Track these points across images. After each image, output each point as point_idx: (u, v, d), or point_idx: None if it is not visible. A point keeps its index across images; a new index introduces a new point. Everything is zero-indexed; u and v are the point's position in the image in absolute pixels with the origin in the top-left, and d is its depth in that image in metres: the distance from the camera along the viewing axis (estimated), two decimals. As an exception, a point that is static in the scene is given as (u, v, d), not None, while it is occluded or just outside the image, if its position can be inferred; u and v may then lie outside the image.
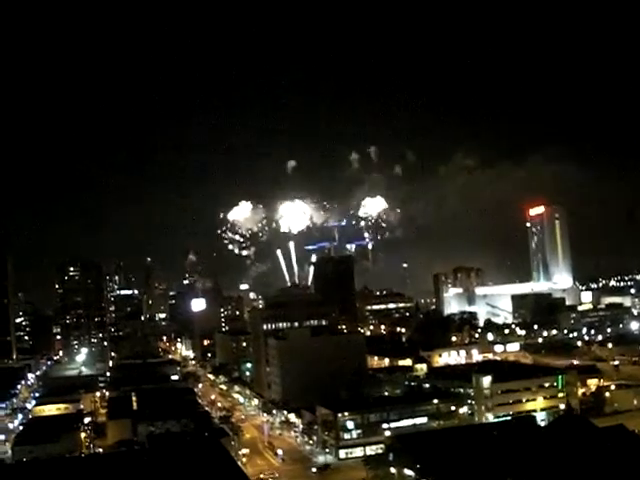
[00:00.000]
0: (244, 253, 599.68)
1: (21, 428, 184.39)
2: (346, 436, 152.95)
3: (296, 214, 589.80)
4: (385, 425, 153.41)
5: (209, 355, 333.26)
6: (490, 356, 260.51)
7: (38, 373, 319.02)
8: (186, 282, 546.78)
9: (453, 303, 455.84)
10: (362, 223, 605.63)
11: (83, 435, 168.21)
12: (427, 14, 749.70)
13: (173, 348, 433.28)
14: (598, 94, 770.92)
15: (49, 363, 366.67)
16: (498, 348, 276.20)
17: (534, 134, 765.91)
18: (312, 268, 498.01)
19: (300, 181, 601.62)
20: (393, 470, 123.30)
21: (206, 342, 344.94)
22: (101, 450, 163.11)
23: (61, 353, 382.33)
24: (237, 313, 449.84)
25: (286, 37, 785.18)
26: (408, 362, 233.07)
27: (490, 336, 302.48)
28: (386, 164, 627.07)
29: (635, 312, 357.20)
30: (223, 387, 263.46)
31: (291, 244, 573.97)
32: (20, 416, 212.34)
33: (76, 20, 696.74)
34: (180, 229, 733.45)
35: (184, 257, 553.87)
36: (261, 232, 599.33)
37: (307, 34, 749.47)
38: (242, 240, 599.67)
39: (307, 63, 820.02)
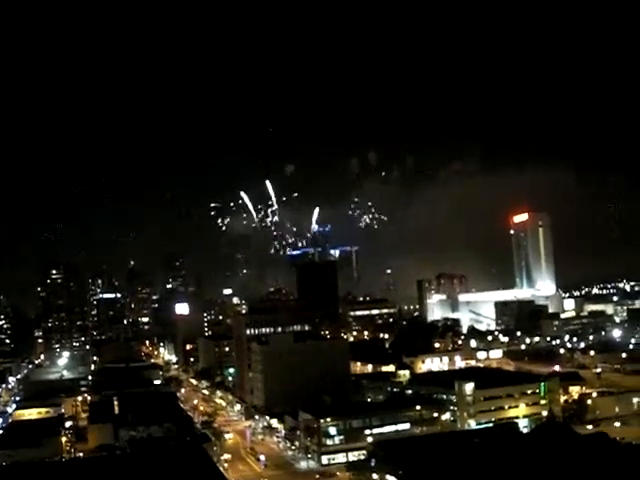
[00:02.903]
0: (236, 256, 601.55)
1: (1, 432, 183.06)
2: (328, 442, 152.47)
3: (287, 218, 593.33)
4: (368, 431, 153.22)
5: (192, 360, 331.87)
6: (473, 363, 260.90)
7: (19, 376, 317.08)
8: (169, 286, 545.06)
9: (436, 309, 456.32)
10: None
11: (64, 439, 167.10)
12: (429, 20, 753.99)
13: (156, 352, 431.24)
14: (584, 105, 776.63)
15: (30, 366, 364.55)
16: (481, 355, 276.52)
17: (520, 143, 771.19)
18: (296, 273, 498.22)
19: (296, 186, 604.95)
20: (375, 476, 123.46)
21: (189, 347, 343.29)
22: (82, 455, 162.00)
23: (43, 356, 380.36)
24: (220, 318, 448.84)
25: (288, 39, 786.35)
26: (391, 368, 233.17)
27: (473, 343, 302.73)
28: (377, 172, 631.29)
29: (617, 320, 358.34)
30: (206, 392, 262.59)
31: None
32: (0, 420, 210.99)
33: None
34: (164, 232, 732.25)
35: (170, 261, 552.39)
36: (251, 236, 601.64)
37: (309, 36, 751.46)
38: (234, 243, 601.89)
39: (309, 65, 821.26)
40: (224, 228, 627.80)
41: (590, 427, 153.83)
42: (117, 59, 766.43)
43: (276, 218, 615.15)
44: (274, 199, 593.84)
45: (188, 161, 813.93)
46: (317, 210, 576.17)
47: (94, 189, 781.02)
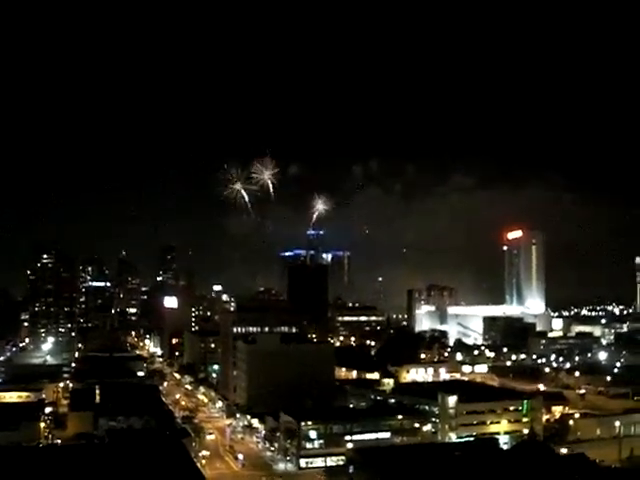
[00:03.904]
0: (231, 253, 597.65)
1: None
2: (308, 445, 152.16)
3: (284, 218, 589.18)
4: (348, 437, 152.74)
5: (177, 354, 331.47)
6: (458, 376, 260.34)
7: (2, 359, 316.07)
8: (160, 279, 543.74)
9: (425, 320, 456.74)
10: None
11: (43, 425, 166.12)
12: (433, 32, 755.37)
13: (141, 344, 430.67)
14: (583, 126, 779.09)
15: (14, 349, 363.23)
16: (466, 368, 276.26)
17: (519, 161, 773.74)
18: (287, 274, 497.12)
19: (296, 188, 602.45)
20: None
21: (175, 340, 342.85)
22: (60, 442, 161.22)
23: (27, 340, 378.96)
24: (209, 314, 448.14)
25: (295, 44, 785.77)
26: (375, 376, 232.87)
27: (459, 356, 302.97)
28: (376, 182, 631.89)
29: (604, 342, 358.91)
30: (188, 387, 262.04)
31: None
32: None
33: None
34: (159, 225, 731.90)
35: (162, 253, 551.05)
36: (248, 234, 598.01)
37: (315, 42, 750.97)
38: (230, 240, 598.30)
39: (316, 72, 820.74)
40: (222, 226, 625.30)
41: (565, 448, 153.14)
42: (120, 54, 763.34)
43: (273, 218, 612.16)
44: (273, 197, 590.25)
45: (189, 156, 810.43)
46: (319, 209, 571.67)
47: (93, 177, 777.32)
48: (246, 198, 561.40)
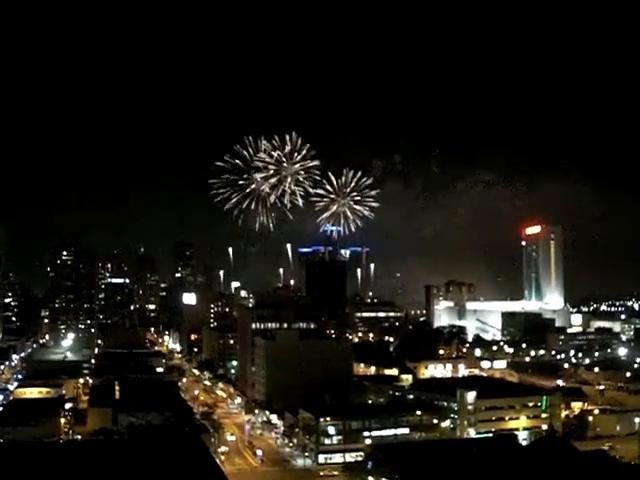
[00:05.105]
0: (249, 249, 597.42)
1: (1, 409, 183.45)
2: (326, 441, 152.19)
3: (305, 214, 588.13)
4: (366, 433, 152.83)
5: (195, 350, 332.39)
6: (476, 371, 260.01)
7: (23, 355, 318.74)
8: (179, 275, 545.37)
9: (443, 316, 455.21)
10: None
11: (63, 421, 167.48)
12: (451, 33, 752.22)
13: (160, 340, 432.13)
14: (604, 122, 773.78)
15: (35, 346, 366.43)
16: (485, 364, 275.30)
17: (538, 156, 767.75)
18: (305, 271, 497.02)
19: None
20: (371, 479, 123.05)
21: (194, 337, 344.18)
22: (80, 437, 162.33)
23: (48, 337, 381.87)
24: (227, 310, 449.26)
25: (316, 40, 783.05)
26: (394, 372, 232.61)
27: (478, 352, 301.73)
28: (395, 177, 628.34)
29: (624, 338, 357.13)
30: (207, 383, 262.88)
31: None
32: (0, 397, 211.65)
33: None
34: (178, 221, 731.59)
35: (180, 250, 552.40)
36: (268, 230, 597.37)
37: (334, 39, 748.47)
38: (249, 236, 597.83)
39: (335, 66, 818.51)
40: (240, 220, 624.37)
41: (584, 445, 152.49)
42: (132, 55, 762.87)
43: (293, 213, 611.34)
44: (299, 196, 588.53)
45: (207, 151, 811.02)
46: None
47: (111, 173, 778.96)
48: (268, 200, 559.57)
